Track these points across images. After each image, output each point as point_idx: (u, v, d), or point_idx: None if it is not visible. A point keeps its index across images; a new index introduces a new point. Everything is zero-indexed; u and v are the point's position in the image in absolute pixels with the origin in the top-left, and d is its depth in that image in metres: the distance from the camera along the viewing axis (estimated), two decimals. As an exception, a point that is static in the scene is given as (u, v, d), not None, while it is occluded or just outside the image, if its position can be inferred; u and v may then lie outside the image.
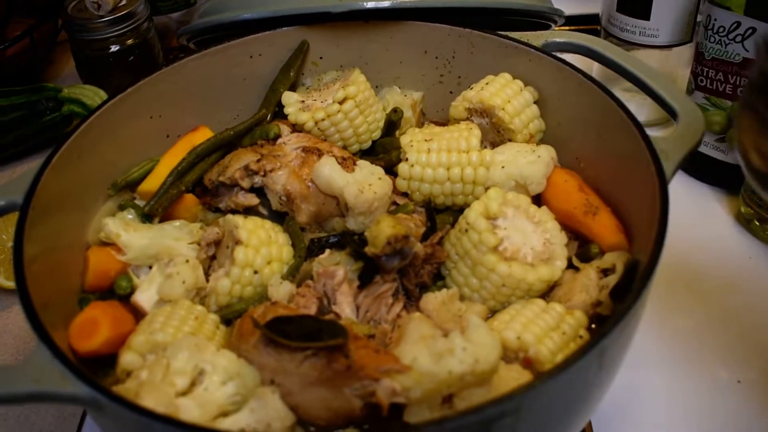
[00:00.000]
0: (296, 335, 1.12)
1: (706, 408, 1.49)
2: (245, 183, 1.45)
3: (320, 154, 1.47)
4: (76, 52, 2.23)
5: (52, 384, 1.00)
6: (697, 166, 1.95)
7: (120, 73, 2.21)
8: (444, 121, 1.68)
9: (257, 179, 1.45)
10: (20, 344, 1.72)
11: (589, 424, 1.44)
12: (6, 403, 1.01)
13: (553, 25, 1.78)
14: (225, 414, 1.11)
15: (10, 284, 1.78)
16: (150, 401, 1.06)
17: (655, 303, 1.65)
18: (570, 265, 1.37)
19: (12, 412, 1.57)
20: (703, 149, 1.89)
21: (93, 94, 2.13)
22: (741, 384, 1.52)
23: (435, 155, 1.45)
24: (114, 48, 2.18)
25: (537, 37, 1.56)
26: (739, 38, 1.69)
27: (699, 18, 1.96)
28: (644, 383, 1.52)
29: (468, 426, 0.93)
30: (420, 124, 1.72)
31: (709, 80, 1.81)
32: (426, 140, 1.47)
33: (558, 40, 1.55)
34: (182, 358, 1.14)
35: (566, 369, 0.96)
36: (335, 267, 1.32)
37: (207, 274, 1.38)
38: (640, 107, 2.06)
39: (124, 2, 2.16)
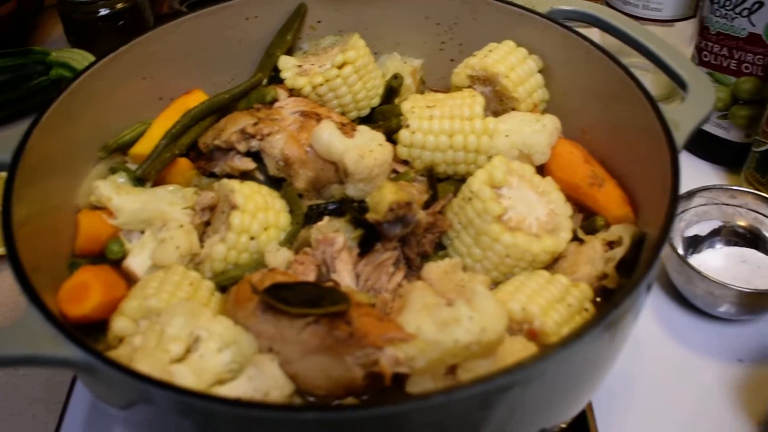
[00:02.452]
0: (296, 302, 1.08)
1: (706, 389, 1.48)
2: (242, 146, 1.40)
3: (319, 118, 1.43)
4: (64, 15, 2.18)
5: (44, 347, 0.96)
6: (699, 144, 1.92)
7: (109, 38, 2.17)
8: (444, 90, 1.65)
9: (254, 143, 1.41)
10: (6, 311, 1.69)
11: (590, 406, 1.42)
12: (-5, 365, 0.97)
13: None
14: (221, 382, 1.07)
15: (-3, 250, 1.74)
16: (144, 367, 1.03)
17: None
18: (575, 237, 1.34)
19: (-1, 380, 1.54)
20: (705, 126, 1.86)
21: (81, 58, 2.08)
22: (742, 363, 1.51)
23: (437, 122, 1.41)
24: (103, 11, 2.13)
25: (542, 4, 1.52)
26: (745, 12, 1.66)
27: (703, -9, 1.93)
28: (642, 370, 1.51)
29: (475, 396, 0.90)
30: (420, 92, 1.68)
31: (713, 55, 1.78)
32: (428, 106, 1.43)
33: (564, 7, 1.51)
34: (177, 324, 1.10)
35: (579, 339, 0.93)
36: (335, 234, 1.28)
37: (201, 240, 1.34)
38: (649, 83, 2.03)
39: (115, -36, 2.11)
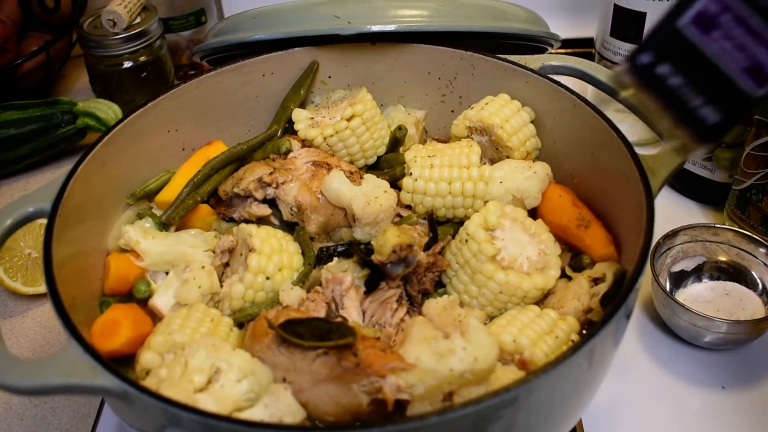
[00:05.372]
0: (308, 336, 1.20)
1: (691, 415, 1.58)
2: (259, 194, 1.53)
3: (329, 168, 1.56)
4: (90, 67, 2.31)
5: (83, 377, 1.07)
6: (686, 184, 2.04)
7: (132, 89, 2.30)
8: (445, 139, 1.77)
9: (270, 191, 1.53)
10: (36, 347, 1.79)
11: (580, 423, 1.52)
12: (39, 394, 1.08)
13: (549, 49, 1.87)
14: (240, 409, 1.17)
15: (28, 290, 1.85)
16: (170, 395, 1.12)
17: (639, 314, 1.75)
18: (563, 275, 1.45)
19: (29, 412, 1.64)
20: (691, 168, 1.98)
21: (107, 108, 2.20)
22: (725, 390, 1.61)
23: (437, 170, 1.54)
24: (127, 64, 2.26)
25: (534, 61, 1.64)
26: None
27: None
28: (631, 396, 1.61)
29: (467, 416, 1.00)
30: (423, 142, 1.80)
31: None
32: (429, 156, 1.56)
33: (554, 63, 1.63)
34: (200, 357, 1.20)
35: (559, 364, 1.04)
36: (343, 274, 1.40)
37: (221, 281, 1.46)
38: (632, 127, 2.12)
39: (138, 20, 2.25)
